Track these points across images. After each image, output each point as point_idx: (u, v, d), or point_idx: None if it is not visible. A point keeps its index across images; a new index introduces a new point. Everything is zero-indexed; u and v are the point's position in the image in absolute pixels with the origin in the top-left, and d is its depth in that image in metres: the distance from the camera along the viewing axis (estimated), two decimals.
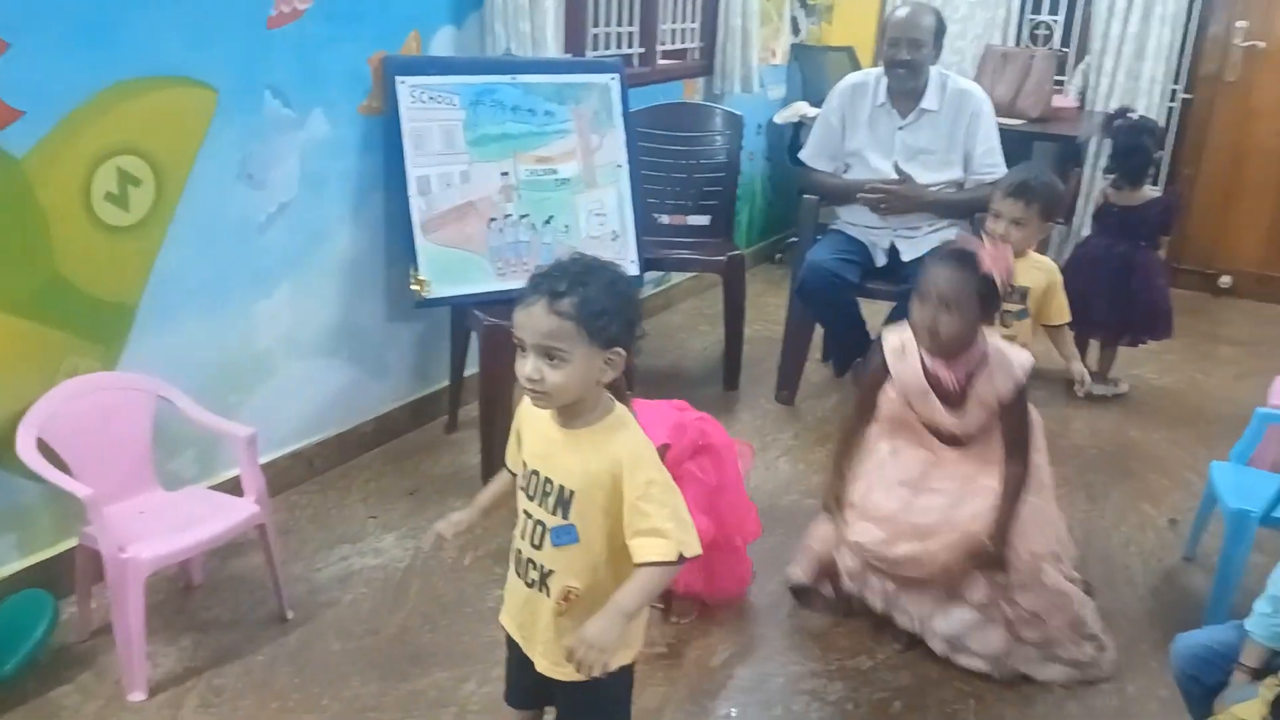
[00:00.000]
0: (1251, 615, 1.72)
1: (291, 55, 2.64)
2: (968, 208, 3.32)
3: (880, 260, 3.42)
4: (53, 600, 2.13)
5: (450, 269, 2.96)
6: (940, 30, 3.26)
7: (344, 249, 2.94)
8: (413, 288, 2.90)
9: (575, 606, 1.52)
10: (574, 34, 3.70)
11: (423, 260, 2.91)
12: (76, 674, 2.13)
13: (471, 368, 3.21)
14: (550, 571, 1.53)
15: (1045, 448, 2.32)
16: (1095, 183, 4.85)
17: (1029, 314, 2.71)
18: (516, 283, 1.58)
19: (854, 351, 3.50)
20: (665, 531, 1.43)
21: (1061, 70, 4.99)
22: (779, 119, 4.95)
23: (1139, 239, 3.72)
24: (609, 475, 1.46)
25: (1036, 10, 5.21)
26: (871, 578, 2.28)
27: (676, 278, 4.57)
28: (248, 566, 2.51)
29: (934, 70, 3.31)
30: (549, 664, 1.57)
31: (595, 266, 1.48)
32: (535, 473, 1.53)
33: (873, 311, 3.47)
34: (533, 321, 1.43)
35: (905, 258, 3.33)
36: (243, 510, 2.23)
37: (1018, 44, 5.13)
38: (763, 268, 5.16)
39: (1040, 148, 4.52)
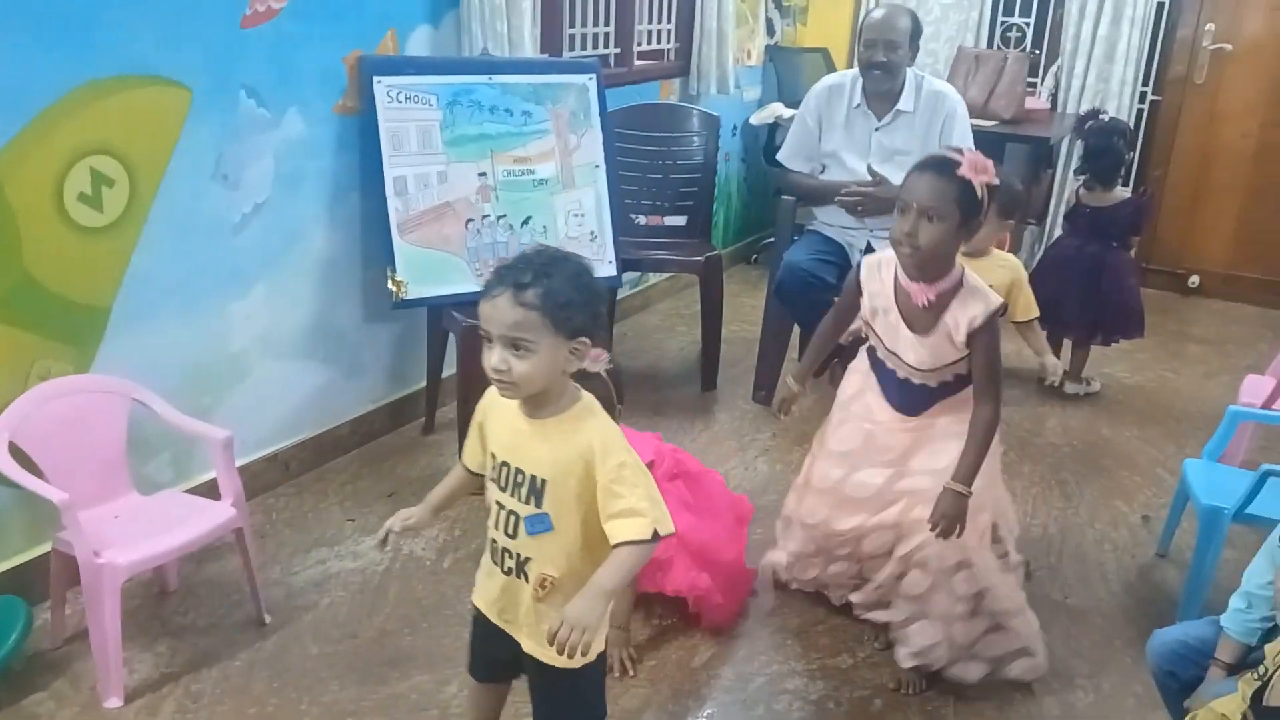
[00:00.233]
0: (1227, 611, 1.75)
1: (266, 54, 2.62)
2: None
3: (857, 260, 3.43)
4: (26, 606, 2.10)
5: (428, 270, 2.94)
6: (916, 32, 3.29)
7: (320, 250, 2.91)
8: (390, 289, 2.89)
9: (553, 593, 1.55)
10: (550, 34, 3.69)
11: (400, 261, 2.90)
12: (51, 681, 2.10)
13: (449, 369, 3.20)
14: (527, 559, 1.56)
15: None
16: (1067, 184, 4.90)
17: None
18: None
19: (831, 352, 3.51)
20: (640, 510, 1.47)
21: (1033, 72, 5.04)
22: (755, 120, 4.98)
23: (1110, 239, 3.76)
24: (581, 462, 1.49)
25: (1008, 13, 5.26)
26: (812, 566, 2.32)
27: (653, 278, 4.57)
28: (223, 571, 2.49)
29: (909, 72, 3.33)
30: (535, 645, 1.60)
31: (559, 258, 1.50)
32: (505, 464, 1.55)
33: None
34: (498, 313, 1.45)
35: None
36: (220, 514, 2.21)
37: (990, 46, 5.18)
38: (739, 268, 5.18)
39: (1013, 149, 4.57)
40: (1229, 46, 4.85)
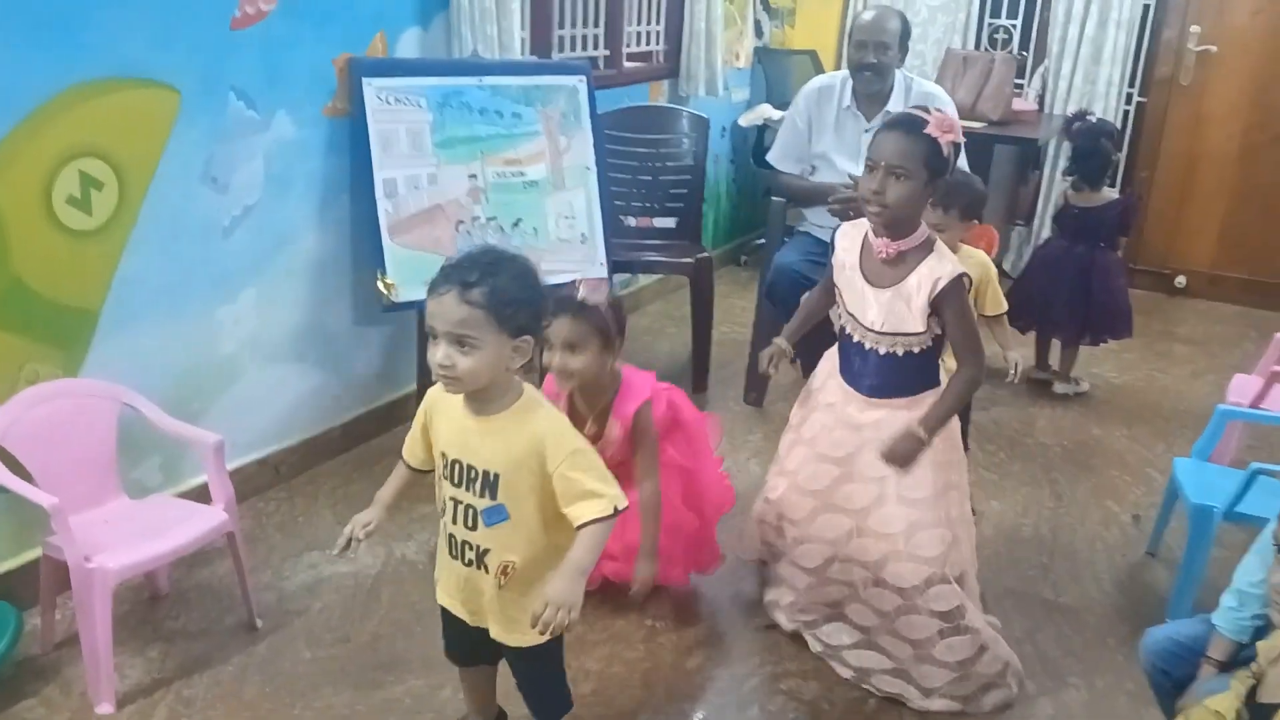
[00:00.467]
0: (1218, 609, 1.76)
1: (256, 56, 2.61)
2: None
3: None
4: (15, 612, 2.08)
5: (418, 272, 2.93)
6: (906, 33, 3.30)
7: (310, 252, 2.90)
8: (380, 291, 2.88)
9: (514, 579, 1.64)
10: (540, 36, 3.69)
11: (390, 263, 2.89)
12: (41, 687, 2.09)
13: None
14: (487, 550, 1.64)
15: (959, 444, 2.21)
16: (1055, 185, 4.93)
17: None
18: None
19: (822, 353, 3.52)
20: (599, 491, 1.56)
21: (1021, 74, 5.06)
22: (744, 122, 4.99)
23: (1098, 240, 3.78)
24: (533, 453, 1.57)
25: (995, 14, 5.28)
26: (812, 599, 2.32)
27: (644, 280, 4.57)
28: (214, 575, 2.47)
29: (898, 73, 3.34)
30: (502, 631, 1.69)
31: (505, 258, 1.56)
32: (457, 461, 1.62)
33: None
34: (444, 310, 1.49)
35: None
36: (211, 518, 2.20)
37: (977, 48, 5.20)
38: (729, 270, 5.18)
39: (1001, 150, 4.59)
40: (1214, 48, 4.89)
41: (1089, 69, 4.92)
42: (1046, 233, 4.80)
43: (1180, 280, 5.16)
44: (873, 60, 3.24)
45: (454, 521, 1.65)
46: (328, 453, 3.06)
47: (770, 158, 3.59)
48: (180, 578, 2.45)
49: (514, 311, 1.51)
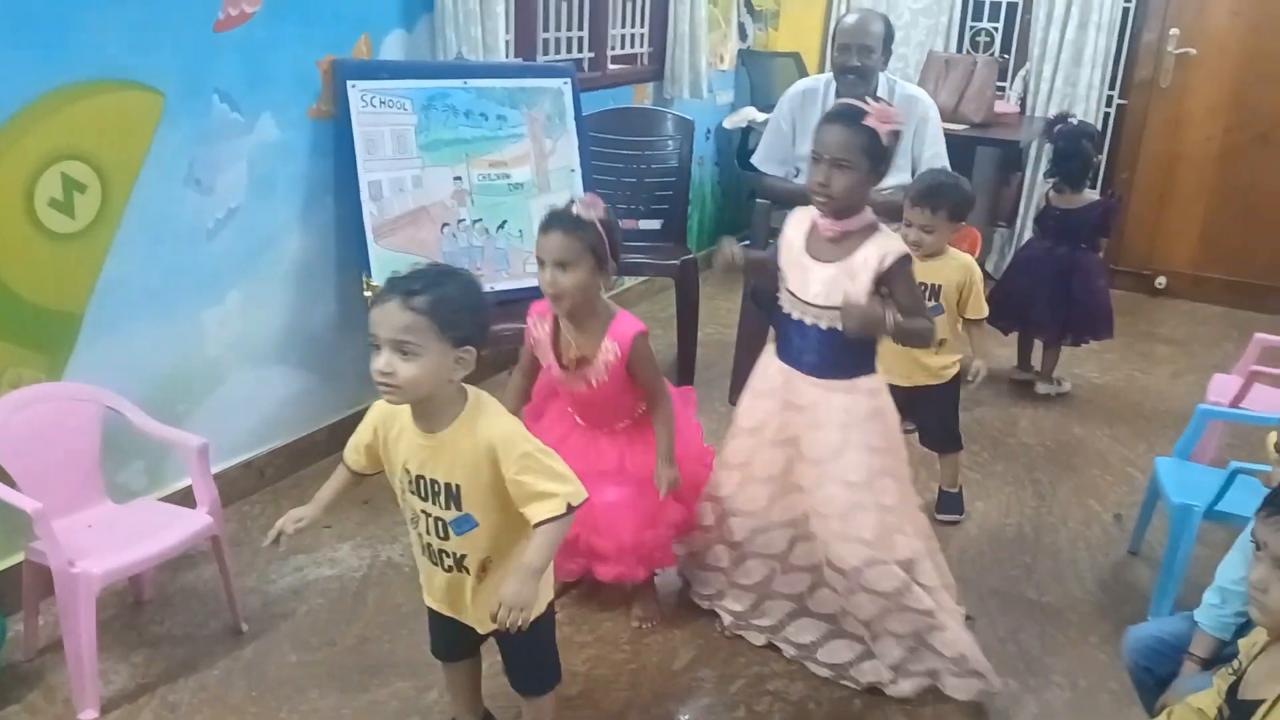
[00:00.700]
0: (1201, 606, 1.78)
1: (239, 59, 2.60)
2: None
3: None
4: None
5: None
6: (889, 36, 3.31)
7: (295, 255, 2.90)
8: (366, 294, 2.87)
9: (494, 571, 1.69)
10: (524, 38, 3.69)
11: (375, 266, 2.88)
12: (24, 693, 2.08)
13: None
14: (463, 555, 1.68)
15: (899, 437, 2.23)
16: (1037, 186, 4.96)
17: (943, 309, 2.77)
18: None
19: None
20: (550, 492, 1.59)
21: (1002, 76, 5.09)
22: (728, 124, 5.00)
23: (1079, 241, 3.80)
24: (486, 460, 1.59)
25: (977, 18, 5.31)
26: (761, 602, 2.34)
27: (629, 282, 4.57)
28: (199, 579, 2.46)
29: (882, 76, 3.36)
30: (486, 621, 1.71)
31: (450, 271, 1.61)
32: (421, 477, 1.64)
33: None
34: (386, 317, 1.51)
35: None
36: (196, 522, 2.19)
37: (959, 50, 5.23)
38: (714, 271, 5.18)
39: (983, 152, 4.62)
40: (1193, 51, 4.93)
41: (1070, 71, 4.96)
42: (1028, 234, 4.83)
43: (1161, 281, 5.20)
44: (856, 63, 3.25)
45: (427, 533, 1.69)
46: (313, 455, 3.05)
47: (755, 160, 3.60)
48: (165, 582, 2.44)
49: (456, 319, 1.52)
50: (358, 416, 3.12)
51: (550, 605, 1.81)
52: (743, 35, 5.29)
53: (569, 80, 3.28)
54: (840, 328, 2.07)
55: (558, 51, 4.02)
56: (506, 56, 3.41)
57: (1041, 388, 3.86)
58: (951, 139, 3.57)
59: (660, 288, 4.58)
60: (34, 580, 2.11)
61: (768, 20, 5.52)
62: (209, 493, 2.22)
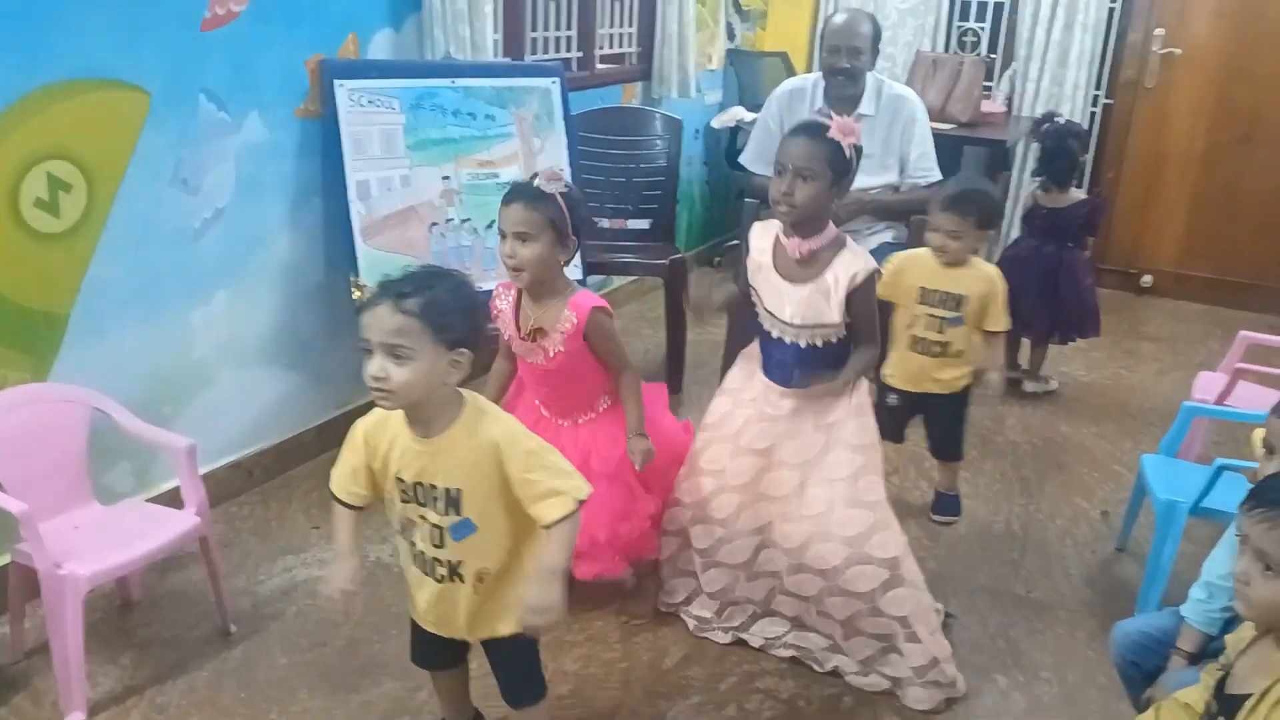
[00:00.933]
0: (1188, 601, 1.79)
1: (226, 58, 2.59)
2: (904, 210, 3.39)
3: None
4: None
5: (391, 274, 2.92)
6: (877, 36, 3.33)
7: (282, 255, 2.89)
8: (354, 294, 2.86)
9: (490, 581, 1.66)
10: (512, 38, 3.69)
11: (364, 266, 2.88)
12: (10, 697, 2.06)
13: None
14: (460, 562, 1.63)
15: (876, 434, 2.25)
16: (1024, 186, 4.98)
17: (964, 321, 2.75)
18: None
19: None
20: (558, 489, 1.57)
21: (989, 76, 5.11)
22: (716, 123, 5.01)
23: (1066, 240, 3.82)
24: (490, 462, 1.57)
25: (964, 18, 5.33)
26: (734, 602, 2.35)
27: (618, 281, 4.58)
28: (187, 581, 2.45)
29: (870, 76, 3.37)
30: (479, 630, 1.71)
31: (442, 273, 1.58)
32: (418, 484, 1.59)
33: None
34: (378, 321, 1.48)
35: None
36: (184, 523, 2.18)
37: (947, 50, 5.25)
38: (703, 271, 5.19)
39: (970, 152, 4.62)
40: (1178, 51, 4.96)
41: (1056, 71, 4.98)
42: (1015, 233, 4.85)
43: (1147, 279, 5.23)
44: (846, 65, 3.27)
45: (421, 541, 1.64)
46: (301, 456, 3.04)
47: (743, 160, 3.61)
48: (153, 584, 2.43)
49: (449, 322, 1.49)
50: (346, 417, 3.17)
51: None
52: (731, 35, 5.29)
53: (557, 79, 3.28)
54: (819, 344, 2.15)
55: (546, 51, 4.02)
56: (494, 56, 3.40)
57: (1029, 386, 3.88)
58: (939, 138, 3.58)
59: (649, 288, 4.58)
60: (20, 582, 2.10)
61: (756, 20, 5.53)
62: (197, 494, 2.21)
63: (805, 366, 2.19)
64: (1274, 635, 1.38)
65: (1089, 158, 5.04)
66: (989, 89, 5.10)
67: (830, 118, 2.13)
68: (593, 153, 3.74)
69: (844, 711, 2.17)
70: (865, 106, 3.36)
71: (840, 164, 2.10)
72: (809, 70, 5.04)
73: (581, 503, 1.59)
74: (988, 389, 2.80)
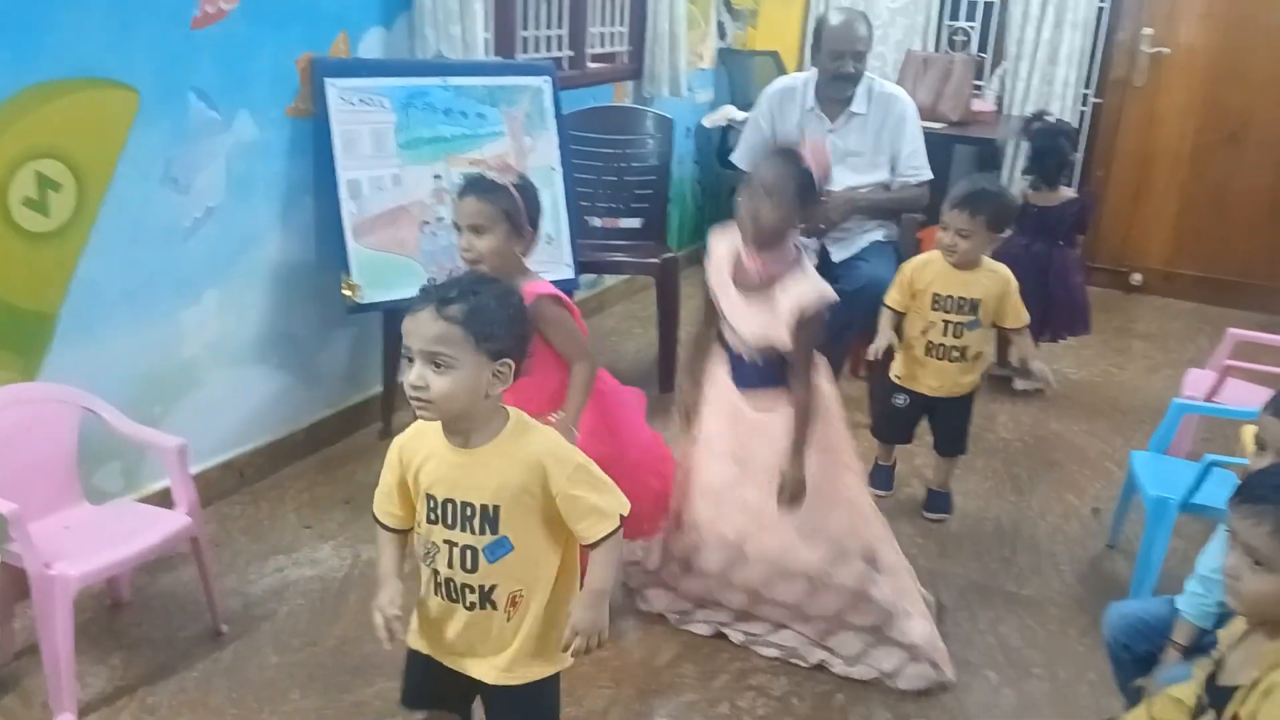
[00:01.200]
0: (1183, 594, 1.80)
1: (216, 56, 2.58)
2: (895, 209, 3.40)
3: (811, 261, 3.47)
4: None
5: (383, 273, 2.92)
6: (871, 36, 3.35)
7: (273, 254, 2.88)
8: (344, 293, 2.86)
9: (523, 605, 1.55)
10: (503, 36, 3.69)
11: (354, 265, 2.87)
12: None
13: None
14: (494, 586, 1.53)
15: (845, 430, 2.31)
16: (1014, 184, 4.99)
17: (980, 324, 2.76)
18: None
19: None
20: (603, 507, 1.51)
21: (979, 75, 5.12)
22: (708, 122, 5.01)
23: (1056, 238, 3.83)
24: (534, 477, 1.49)
25: (955, 17, 5.34)
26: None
27: (609, 280, 4.58)
28: (178, 581, 2.44)
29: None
30: (499, 674, 1.57)
31: (487, 280, 1.53)
32: (449, 500, 1.51)
33: None
34: (419, 327, 1.42)
35: (835, 258, 3.40)
36: (174, 522, 2.17)
37: (937, 49, 5.26)
38: (695, 270, 5.18)
39: (960, 150, 4.64)
40: (1167, 50, 4.98)
41: (1046, 70, 5.00)
42: (1006, 231, 4.86)
43: (1136, 277, 5.25)
44: (851, 70, 3.30)
45: (450, 565, 1.53)
46: (292, 456, 3.03)
47: (735, 158, 3.61)
48: (143, 584, 2.42)
49: (493, 331, 1.42)
50: (338, 416, 3.19)
51: (557, 675, 1.64)
52: (722, 34, 5.30)
53: (549, 78, 3.28)
54: (775, 359, 2.18)
55: (537, 50, 4.02)
56: (485, 55, 3.40)
57: (1019, 383, 3.89)
58: (929, 137, 3.59)
59: (641, 287, 4.58)
60: (9, 583, 2.09)
61: (746, 19, 5.53)
62: (188, 494, 2.20)
63: (764, 380, 2.22)
64: (1265, 629, 1.39)
65: (1079, 156, 5.06)
66: (979, 88, 5.11)
67: (804, 144, 2.19)
68: (584, 152, 3.74)
69: (836, 708, 2.17)
70: (856, 105, 3.37)
71: (807, 187, 2.14)
72: (800, 69, 5.05)
73: (624, 518, 1.53)
74: (1035, 381, 2.81)
